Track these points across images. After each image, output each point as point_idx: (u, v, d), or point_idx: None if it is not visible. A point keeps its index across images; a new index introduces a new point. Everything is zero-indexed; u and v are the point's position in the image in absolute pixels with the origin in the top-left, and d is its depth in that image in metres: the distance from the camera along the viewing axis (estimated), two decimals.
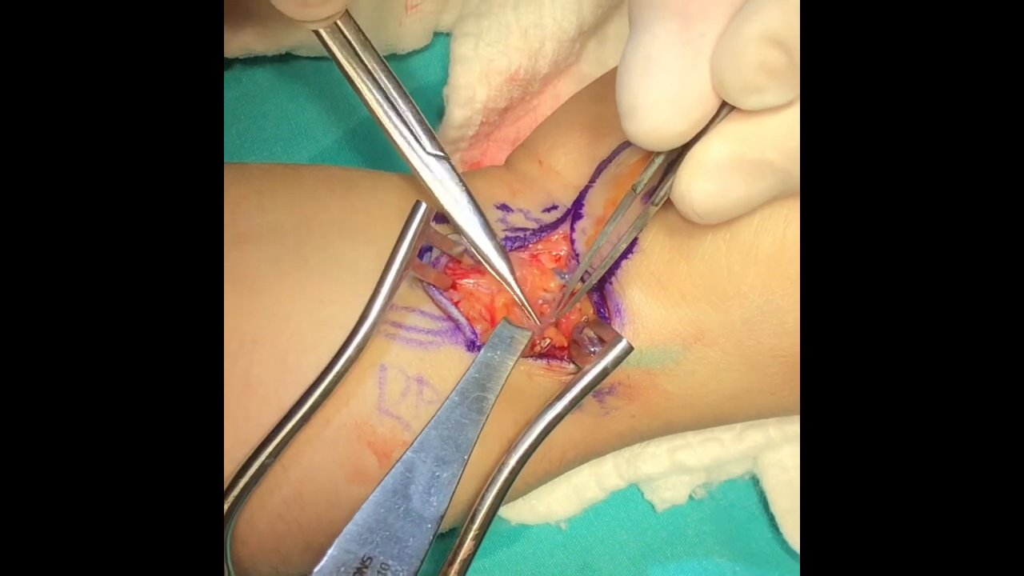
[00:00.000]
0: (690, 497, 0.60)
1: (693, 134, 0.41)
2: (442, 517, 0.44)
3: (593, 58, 0.64)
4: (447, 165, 0.50)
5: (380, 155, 0.64)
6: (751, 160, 0.41)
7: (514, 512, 0.59)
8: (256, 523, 0.46)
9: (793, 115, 0.40)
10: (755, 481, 0.61)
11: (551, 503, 0.59)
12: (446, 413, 0.45)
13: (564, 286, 0.50)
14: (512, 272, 0.49)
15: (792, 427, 0.59)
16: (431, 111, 0.60)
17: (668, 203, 0.44)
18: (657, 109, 0.40)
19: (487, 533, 0.57)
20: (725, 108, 0.41)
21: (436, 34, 0.65)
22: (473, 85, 0.58)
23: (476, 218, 0.49)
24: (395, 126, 0.50)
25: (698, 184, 0.42)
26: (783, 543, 0.60)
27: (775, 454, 0.59)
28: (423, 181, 0.50)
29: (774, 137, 0.40)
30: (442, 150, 0.50)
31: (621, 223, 0.46)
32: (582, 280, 0.48)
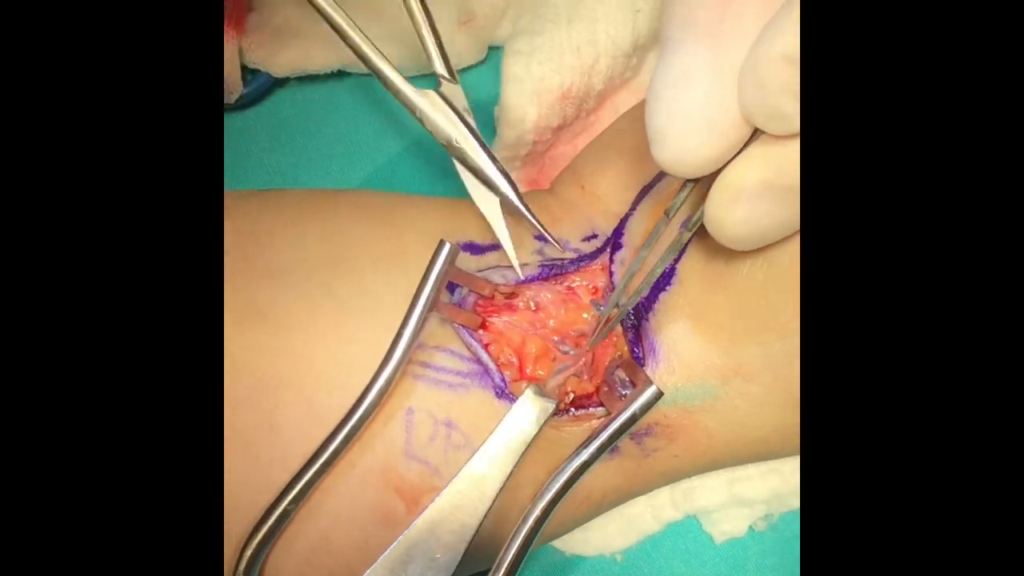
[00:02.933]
0: (750, 529, 0.58)
1: (725, 161, 0.39)
2: None
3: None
4: (437, 97, 0.49)
5: (435, 173, 0.63)
6: (782, 186, 0.38)
7: (568, 543, 0.57)
8: (284, 568, 0.45)
9: None
10: None
11: (606, 535, 0.57)
12: (456, 489, 0.44)
13: (600, 318, 0.48)
14: (518, 193, 0.48)
15: None
16: (487, 128, 0.59)
17: (706, 231, 0.42)
18: (686, 135, 0.38)
19: (540, 565, 0.57)
20: (758, 132, 0.38)
21: (492, 48, 0.64)
22: (524, 105, 0.56)
23: (477, 146, 0.49)
24: (374, 55, 0.49)
25: (729, 210, 0.39)
26: None
27: None
28: (414, 114, 0.49)
29: None
30: (451, 73, 0.49)
31: (655, 249, 0.44)
32: (617, 307, 0.47)
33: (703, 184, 0.41)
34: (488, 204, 0.48)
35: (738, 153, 0.39)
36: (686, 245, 0.45)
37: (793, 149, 0.38)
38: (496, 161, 0.47)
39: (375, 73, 0.49)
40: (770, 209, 0.39)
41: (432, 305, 0.44)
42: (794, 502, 0.57)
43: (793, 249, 0.43)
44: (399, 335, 0.44)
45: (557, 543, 0.57)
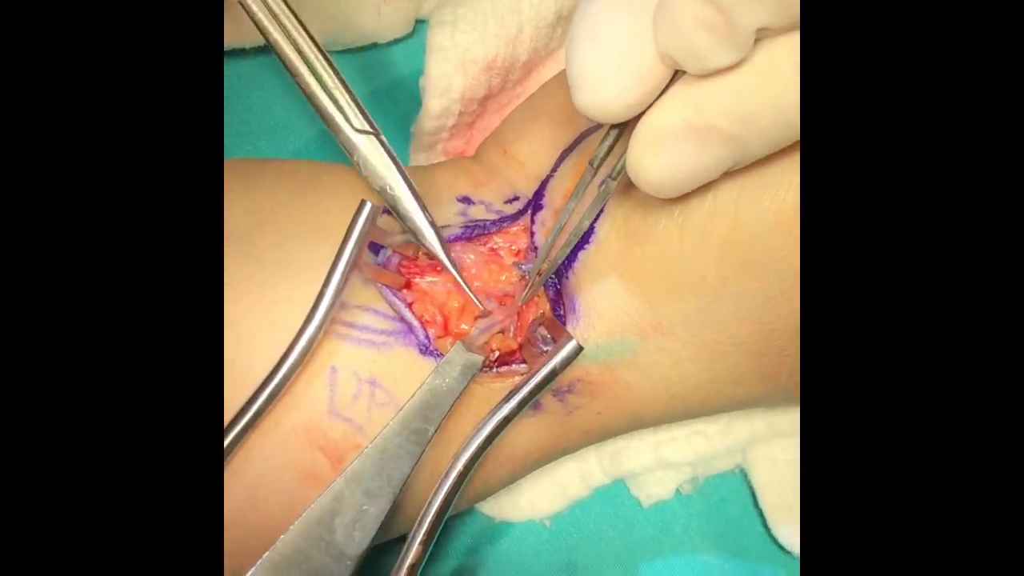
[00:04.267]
0: (677, 492, 0.59)
1: (646, 105, 0.39)
2: (363, 554, 0.43)
3: None
4: (377, 142, 0.49)
5: None
6: (701, 127, 0.38)
7: (496, 508, 0.58)
8: None
9: (741, 78, 0.37)
10: (744, 474, 0.59)
11: (534, 498, 0.58)
12: (383, 442, 0.44)
13: (523, 278, 0.49)
14: (444, 247, 0.48)
15: (779, 420, 0.57)
16: (414, 100, 0.59)
17: (628, 189, 0.42)
18: (606, 80, 0.38)
19: (470, 531, 0.57)
20: (679, 74, 0.38)
21: (419, 21, 0.64)
22: (449, 75, 0.57)
23: (409, 196, 0.48)
24: (326, 102, 0.49)
25: (650, 155, 0.39)
26: (775, 538, 0.58)
27: (764, 448, 0.57)
28: (352, 158, 0.49)
29: (723, 102, 0.38)
30: (373, 127, 0.49)
31: (581, 202, 0.45)
32: (547, 263, 0.47)
33: (623, 131, 0.41)
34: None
35: (659, 96, 0.39)
36: (610, 196, 0.45)
37: (712, 88, 0.38)
38: (427, 211, 0.48)
39: (316, 109, 0.49)
40: (692, 152, 0.39)
41: (354, 264, 0.44)
42: (720, 465, 0.58)
43: (707, 204, 0.44)
44: (321, 294, 0.44)
45: (485, 509, 0.58)
